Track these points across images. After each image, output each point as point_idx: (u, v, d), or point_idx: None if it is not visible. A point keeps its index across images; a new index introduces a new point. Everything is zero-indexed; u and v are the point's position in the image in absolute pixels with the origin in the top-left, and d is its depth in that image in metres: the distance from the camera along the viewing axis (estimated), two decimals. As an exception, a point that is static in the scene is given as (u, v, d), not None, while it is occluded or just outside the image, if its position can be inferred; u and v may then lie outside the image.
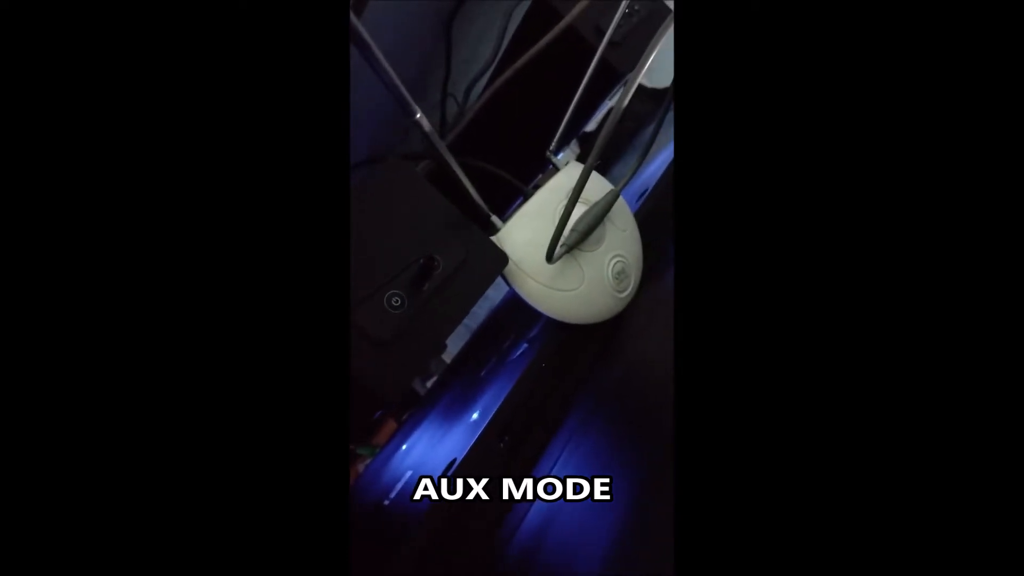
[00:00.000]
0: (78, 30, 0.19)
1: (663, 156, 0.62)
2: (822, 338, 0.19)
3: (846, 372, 0.19)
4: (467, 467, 0.39)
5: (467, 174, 0.41)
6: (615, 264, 0.45)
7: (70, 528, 0.18)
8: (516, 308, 0.64)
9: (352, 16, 0.22)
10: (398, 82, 0.27)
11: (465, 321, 0.94)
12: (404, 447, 0.58)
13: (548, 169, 0.53)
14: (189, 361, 0.20)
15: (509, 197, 0.60)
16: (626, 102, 0.33)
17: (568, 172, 0.47)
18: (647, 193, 0.55)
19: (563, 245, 0.42)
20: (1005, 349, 0.18)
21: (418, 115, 0.30)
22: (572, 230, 0.42)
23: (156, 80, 0.20)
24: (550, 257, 0.40)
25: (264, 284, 0.21)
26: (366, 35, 0.24)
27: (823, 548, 0.18)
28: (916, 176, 0.19)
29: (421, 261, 0.36)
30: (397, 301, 0.36)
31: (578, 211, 0.43)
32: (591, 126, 0.70)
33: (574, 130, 0.53)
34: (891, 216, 0.19)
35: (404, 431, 0.65)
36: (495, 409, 0.42)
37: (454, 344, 0.83)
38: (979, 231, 0.18)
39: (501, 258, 0.41)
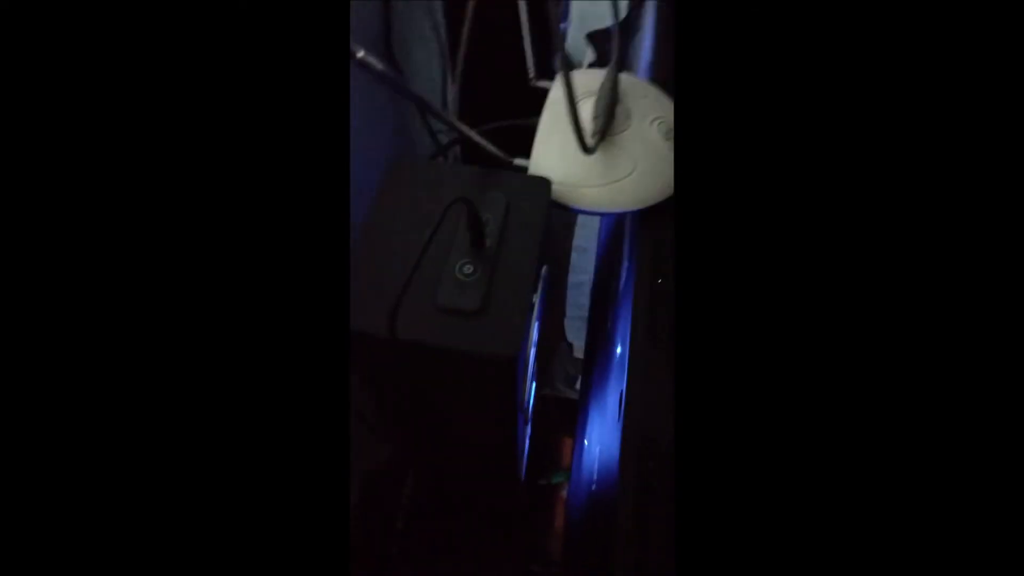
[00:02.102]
0: (73, 42, 0.19)
1: (645, 32, 0.58)
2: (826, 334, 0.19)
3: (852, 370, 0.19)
4: (633, 395, 0.35)
5: (472, 145, 0.39)
6: (659, 125, 0.40)
7: (68, 527, 0.18)
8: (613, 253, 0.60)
9: None
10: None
11: (578, 314, 0.89)
12: (586, 443, 0.54)
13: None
14: (191, 363, 0.19)
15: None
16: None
17: (556, 86, 0.44)
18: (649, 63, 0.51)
19: (595, 134, 0.38)
20: (1005, 355, 0.18)
21: (360, 54, 0.28)
22: (595, 118, 0.39)
23: (156, 80, 0.19)
24: (586, 149, 0.36)
25: (263, 285, 0.20)
26: None
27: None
28: (916, 174, 0.19)
29: (467, 222, 0.33)
30: (468, 268, 0.33)
31: (588, 104, 0.40)
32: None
33: (544, 51, 0.51)
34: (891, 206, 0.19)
35: (579, 434, 0.61)
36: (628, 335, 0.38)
37: (578, 339, 0.79)
38: (980, 239, 0.18)
39: (542, 183, 0.37)
